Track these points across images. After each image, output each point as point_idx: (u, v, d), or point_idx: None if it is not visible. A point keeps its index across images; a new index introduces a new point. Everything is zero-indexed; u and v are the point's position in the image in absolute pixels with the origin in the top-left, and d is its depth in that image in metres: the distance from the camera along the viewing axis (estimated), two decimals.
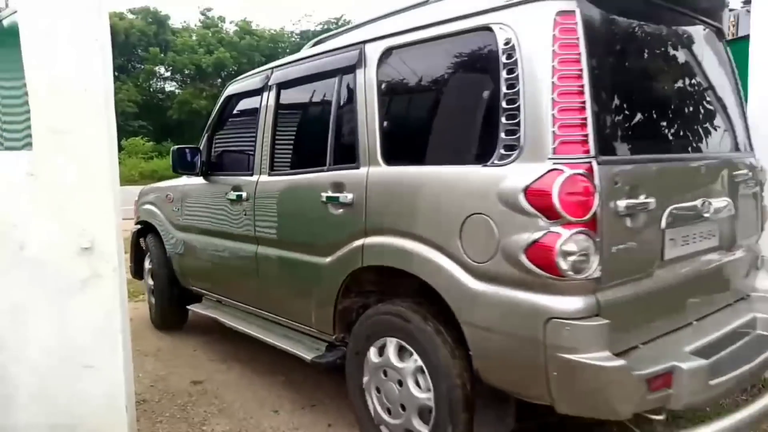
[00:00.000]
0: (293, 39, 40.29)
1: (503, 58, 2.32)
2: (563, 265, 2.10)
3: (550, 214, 2.12)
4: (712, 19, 3.03)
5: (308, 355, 3.33)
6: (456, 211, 2.40)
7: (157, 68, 38.11)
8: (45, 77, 2.33)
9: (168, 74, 39.85)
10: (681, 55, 2.96)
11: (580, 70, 2.18)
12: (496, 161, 2.29)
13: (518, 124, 2.24)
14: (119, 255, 2.52)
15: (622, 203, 2.24)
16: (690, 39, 3.01)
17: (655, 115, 2.75)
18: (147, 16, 38.24)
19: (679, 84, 2.97)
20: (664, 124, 2.81)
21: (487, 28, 2.41)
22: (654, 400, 2.18)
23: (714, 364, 2.31)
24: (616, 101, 2.50)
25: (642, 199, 2.32)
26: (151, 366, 4.21)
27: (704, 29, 3.06)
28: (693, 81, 3.05)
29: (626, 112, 2.58)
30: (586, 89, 2.18)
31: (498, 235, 2.25)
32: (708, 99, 3.09)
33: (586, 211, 2.13)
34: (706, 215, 2.62)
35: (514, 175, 2.20)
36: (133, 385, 2.74)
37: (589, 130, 2.15)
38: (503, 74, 2.31)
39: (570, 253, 2.10)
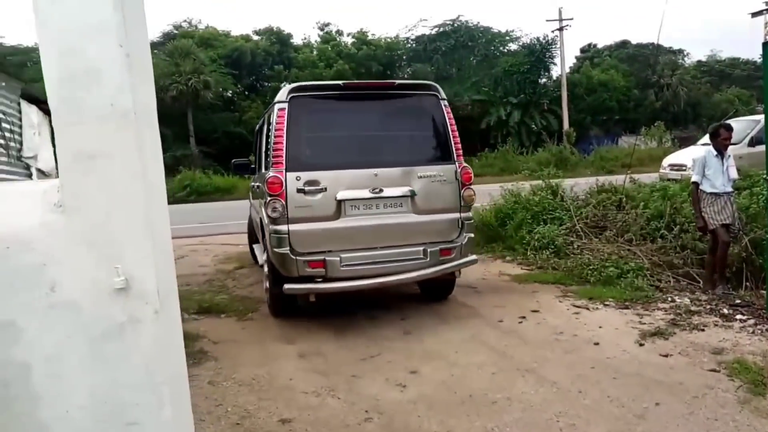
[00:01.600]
0: (409, 45, 40.13)
1: (268, 124, 5.81)
2: (271, 213, 5.12)
3: (269, 192, 5.12)
4: (428, 91, 5.77)
5: (261, 260, 6.28)
6: (264, 190, 5.34)
7: (281, 85, 39.51)
8: (66, 92, 2.03)
9: None
10: (374, 114, 5.80)
11: (282, 131, 5.17)
12: (265, 170, 5.63)
13: (268, 156, 5.60)
14: (165, 295, 2.16)
15: (301, 187, 5.12)
16: (407, 101, 5.81)
17: (331, 147, 5.60)
18: (271, 36, 39.92)
19: (364, 129, 5.73)
20: (338, 151, 5.59)
21: (273, 106, 5.47)
22: (315, 271, 5.12)
23: (345, 261, 5.13)
24: (301, 143, 5.33)
25: (316, 186, 5.15)
26: (243, 398, 3.90)
27: (426, 95, 5.77)
28: (390, 129, 5.77)
29: (310, 148, 5.46)
30: (284, 140, 5.15)
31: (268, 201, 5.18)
32: (400, 134, 5.79)
33: (278, 190, 5.08)
34: (379, 195, 5.27)
35: (268, 174, 5.29)
36: None
37: (284, 158, 5.13)
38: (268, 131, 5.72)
39: (273, 209, 5.10)
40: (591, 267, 6.84)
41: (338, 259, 5.12)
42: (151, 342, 2.12)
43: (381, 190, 5.30)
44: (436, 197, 5.51)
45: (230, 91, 37.67)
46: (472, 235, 5.70)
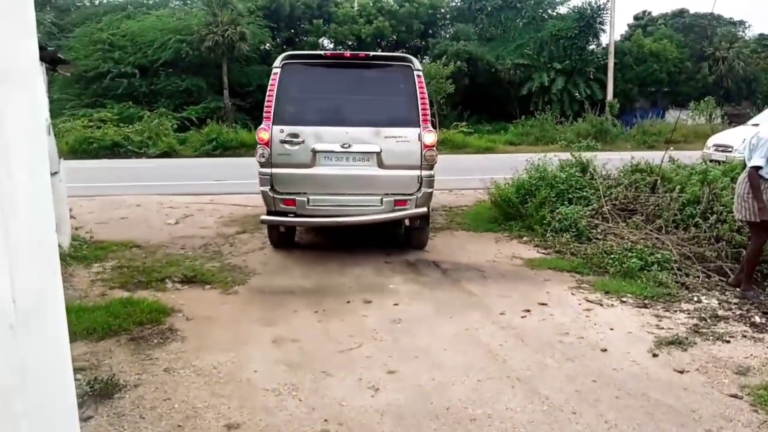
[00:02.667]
0: (453, 3, 38.69)
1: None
2: (259, 159, 6.34)
3: (258, 141, 6.36)
4: (403, 62, 6.58)
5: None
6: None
7: (320, 40, 38.72)
8: None
9: (331, 46, 40.39)
10: (352, 80, 6.73)
11: (273, 91, 6.33)
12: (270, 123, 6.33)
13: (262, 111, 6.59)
14: (31, 305, 1.74)
15: (283, 138, 6.25)
16: (383, 71, 6.76)
17: (312, 107, 6.68)
18: None
19: (342, 93, 6.73)
20: (318, 111, 6.64)
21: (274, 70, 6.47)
22: (287, 207, 6.35)
23: (311, 201, 6.31)
24: (288, 102, 6.46)
25: (296, 139, 6.25)
26: (195, 392, 3.54)
27: (401, 65, 6.59)
28: (365, 94, 6.76)
29: (293, 107, 6.52)
30: (273, 99, 6.31)
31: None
32: (372, 99, 6.77)
33: (265, 141, 6.29)
34: (347, 150, 6.26)
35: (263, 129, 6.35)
36: None
37: (272, 113, 6.29)
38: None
39: (261, 155, 6.31)
40: (612, 255, 6.25)
41: (306, 199, 6.28)
42: (8, 364, 1.71)
43: (350, 146, 6.27)
44: (400, 155, 6.32)
45: (267, 44, 37.02)
46: (430, 190, 6.47)
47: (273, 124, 6.27)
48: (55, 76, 30.22)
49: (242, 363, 3.97)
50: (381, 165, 6.32)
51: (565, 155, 9.53)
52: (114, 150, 21.55)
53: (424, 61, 35.26)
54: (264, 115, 6.34)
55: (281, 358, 4.05)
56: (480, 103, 31.29)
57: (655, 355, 4.08)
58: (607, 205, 7.78)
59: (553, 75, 30.93)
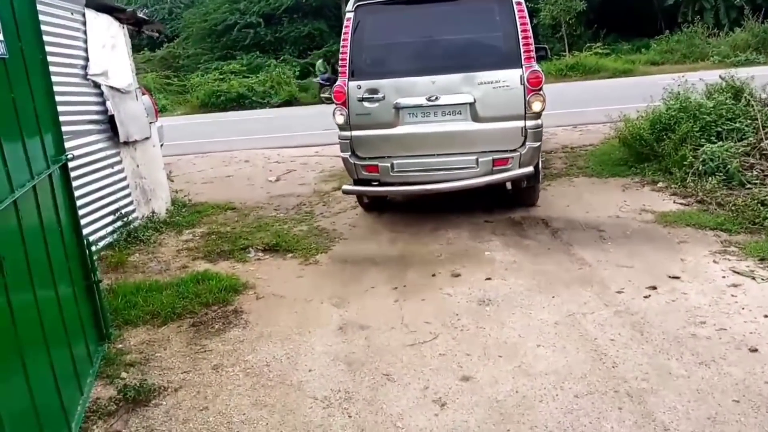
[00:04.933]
0: None
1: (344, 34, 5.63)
2: (337, 120, 5.59)
3: (335, 101, 5.57)
4: None
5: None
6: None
7: None
8: None
9: None
10: (437, 19, 5.64)
11: (347, 42, 5.50)
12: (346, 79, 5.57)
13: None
14: None
15: (361, 95, 5.47)
16: (474, 3, 5.65)
17: (393, 56, 5.77)
18: None
19: (424, 35, 5.70)
20: (399, 60, 5.71)
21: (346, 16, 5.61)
22: (370, 175, 5.61)
23: (396, 167, 5.51)
24: (365, 53, 5.64)
25: (376, 95, 5.45)
26: (236, 400, 3.08)
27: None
28: (452, 34, 5.71)
29: (371, 57, 5.72)
30: (348, 51, 5.50)
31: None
32: (462, 39, 5.71)
33: (341, 99, 5.52)
34: (434, 103, 5.39)
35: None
36: None
37: (347, 68, 5.50)
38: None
39: (340, 115, 5.55)
40: None
41: (389, 165, 5.52)
42: None
43: (437, 98, 5.40)
44: (498, 105, 5.39)
45: None
46: (537, 144, 5.47)
47: (349, 80, 5.49)
48: (189, 33, 31.70)
49: (299, 358, 3.48)
50: (476, 118, 5.40)
51: (715, 77, 7.93)
52: (240, 102, 22.08)
53: None
54: (339, 70, 5.58)
55: (344, 352, 3.51)
56: (619, 20, 28.03)
57: None
58: (767, 139, 6.30)
59: None
